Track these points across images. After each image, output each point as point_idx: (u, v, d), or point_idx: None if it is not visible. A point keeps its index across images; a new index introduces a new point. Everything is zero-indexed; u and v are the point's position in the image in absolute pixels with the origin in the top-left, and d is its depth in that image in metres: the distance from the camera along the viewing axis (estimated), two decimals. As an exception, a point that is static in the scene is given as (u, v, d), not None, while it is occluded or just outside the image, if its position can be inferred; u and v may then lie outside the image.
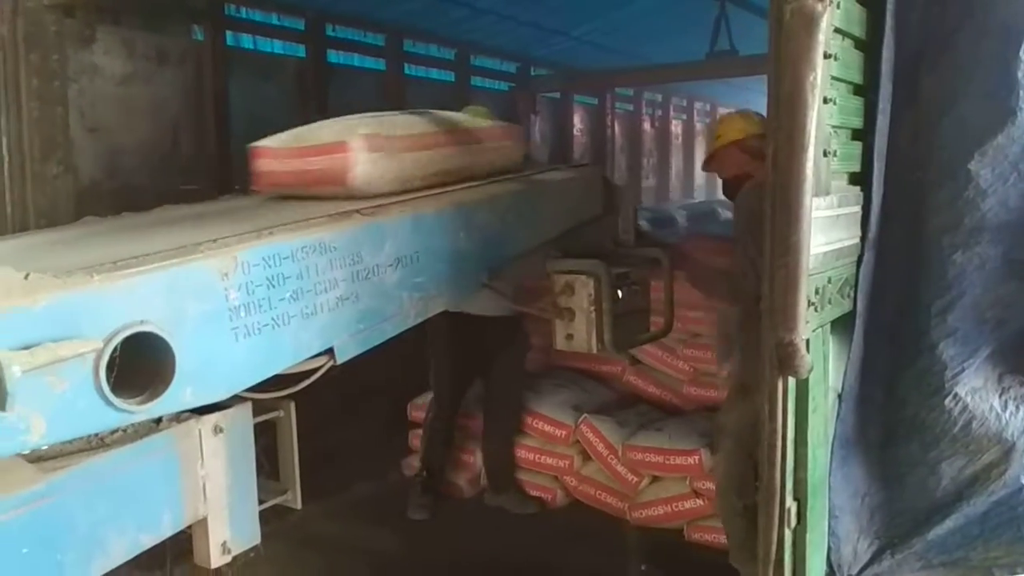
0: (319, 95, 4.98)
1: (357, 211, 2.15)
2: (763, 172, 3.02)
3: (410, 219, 2.25)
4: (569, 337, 2.81)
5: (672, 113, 10.50)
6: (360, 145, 2.38)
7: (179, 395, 1.61)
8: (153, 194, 3.19)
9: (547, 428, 4.28)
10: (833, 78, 2.13)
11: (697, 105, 11.02)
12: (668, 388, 4.44)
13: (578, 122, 8.37)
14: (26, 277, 1.41)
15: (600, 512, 4.15)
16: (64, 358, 1.40)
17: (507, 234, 2.67)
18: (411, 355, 4.04)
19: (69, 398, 1.43)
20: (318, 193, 2.48)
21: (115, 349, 1.48)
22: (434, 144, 2.65)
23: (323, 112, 4.80)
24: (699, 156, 10.04)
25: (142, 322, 1.52)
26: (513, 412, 4.34)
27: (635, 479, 4.02)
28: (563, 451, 4.28)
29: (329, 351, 1.98)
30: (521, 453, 4.36)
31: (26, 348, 1.34)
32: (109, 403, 1.48)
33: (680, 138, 10.76)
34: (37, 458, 1.53)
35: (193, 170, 4.11)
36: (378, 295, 2.10)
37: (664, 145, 10.34)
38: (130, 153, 3.83)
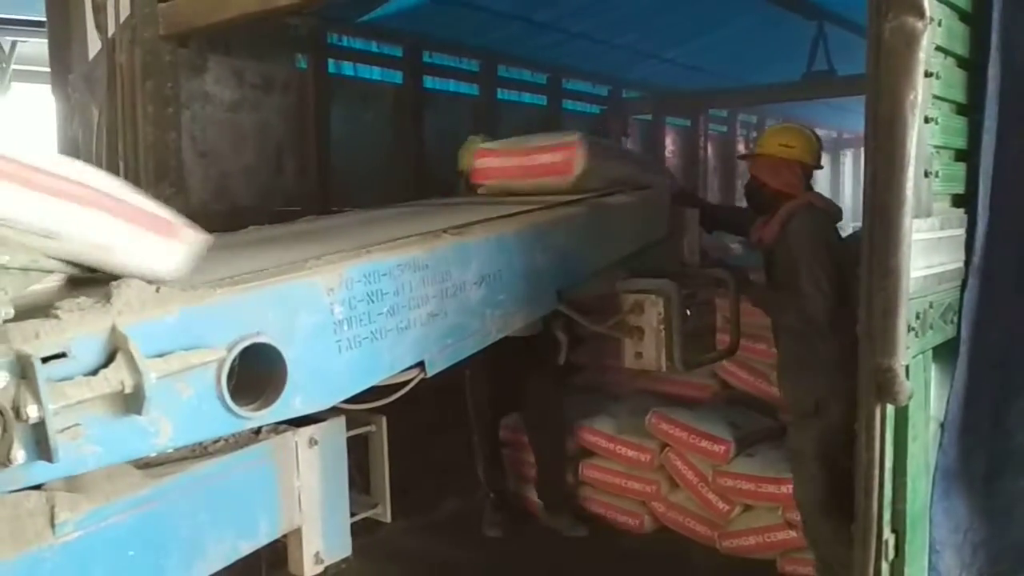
0: (415, 120, 5.10)
1: (445, 231, 2.24)
2: (806, 197, 3.16)
3: (494, 239, 2.34)
4: (638, 355, 2.89)
5: (768, 135, 10.29)
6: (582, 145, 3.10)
7: (290, 403, 1.71)
8: (257, 215, 3.32)
9: (630, 453, 4.24)
10: (935, 97, 2.07)
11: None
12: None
13: (670, 144, 8.30)
14: (157, 290, 1.51)
15: (689, 539, 4.08)
16: (194, 366, 1.50)
17: (578, 255, 2.75)
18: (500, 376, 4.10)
19: (194, 404, 1.53)
20: (537, 187, 3.18)
21: (235, 358, 1.57)
22: (616, 157, 3.39)
23: (419, 137, 4.93)
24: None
25: (258, 333, 1.62)
26: (555, 432, 4.33)
27: (726, 507, 3.93)
28: (650, 476, 4.22)
29: (420, 364, 2.07)
30: (607, 477, 4.32)
31: (159, 356, 1.44)
32: (229, 409, 1.58)
33: (739, 155, 10.53)
34: (144, 464, 1.60)
35: (295, 192, 4.26)
36: (464, 311, 2.19)
37: (759, 167, 10.13)
38: (237, 176, 3.99)
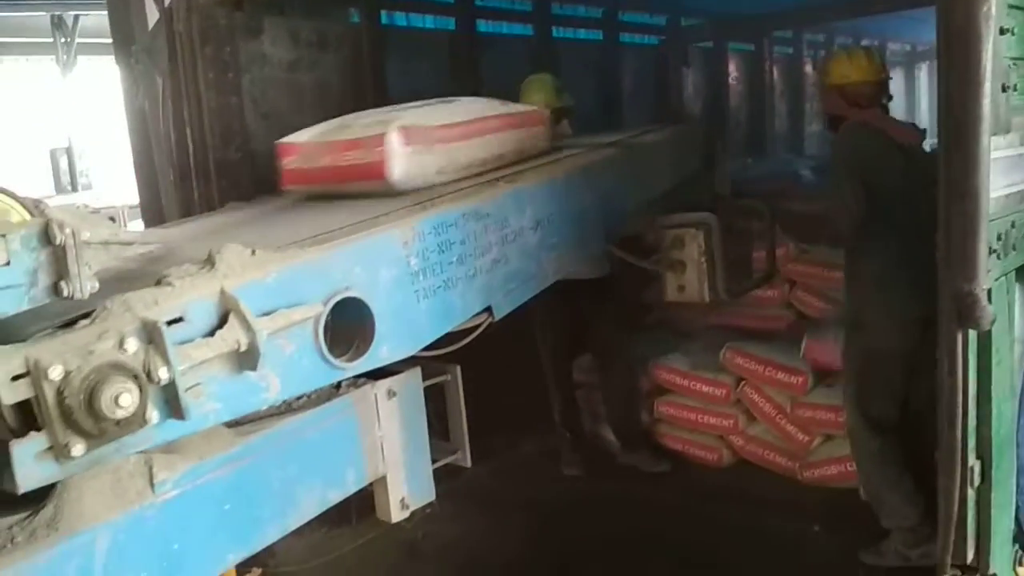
0: (471, 66, 5.06)
1: (500, 179, 2.31)
2: (860, 117, 3.13)
3: (546, 184, 2.40)
4: (680, 288, 2.95)
5: (836, 53, 9.91)
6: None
7: (378, 353, 1.79)
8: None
9: (706, 388, 4.24)
10: (1010, 6, 1.96)
11: (864, 43, 10.34)
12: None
13: (733, 70, 8.07)
14: (253, 253, 1.58)
15: (769, 471, 4.08)
16: (296, 322, 1.58)
17: (620, 194, 2.80)
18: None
19: (296, 358, 1.61)
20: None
21: (328, 313, 1.65)
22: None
23: (477, 83, 4.89)
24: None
25: (347, 288, 1.70)
26: (624, 370, 4.34)
27: (806, 438, 3.91)
28: (727, 411, 4.22)
29: (487, 310, 2.14)
30: (682, 413, 4.33)
31: (265, 315, 1.52)
32: (327, 361, 1.66)
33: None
34: (233, 423, 1.67)
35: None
36: (523, 256, 2.26)
37: (828, 88, 9.77)
38: (299, 136, 4.04)
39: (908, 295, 2.91)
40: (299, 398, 1.79)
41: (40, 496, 1.34)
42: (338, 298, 1.68)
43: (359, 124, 2.49)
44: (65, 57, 13.77)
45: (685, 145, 3.46)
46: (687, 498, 3.94)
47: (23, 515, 1.34)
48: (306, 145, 2.55)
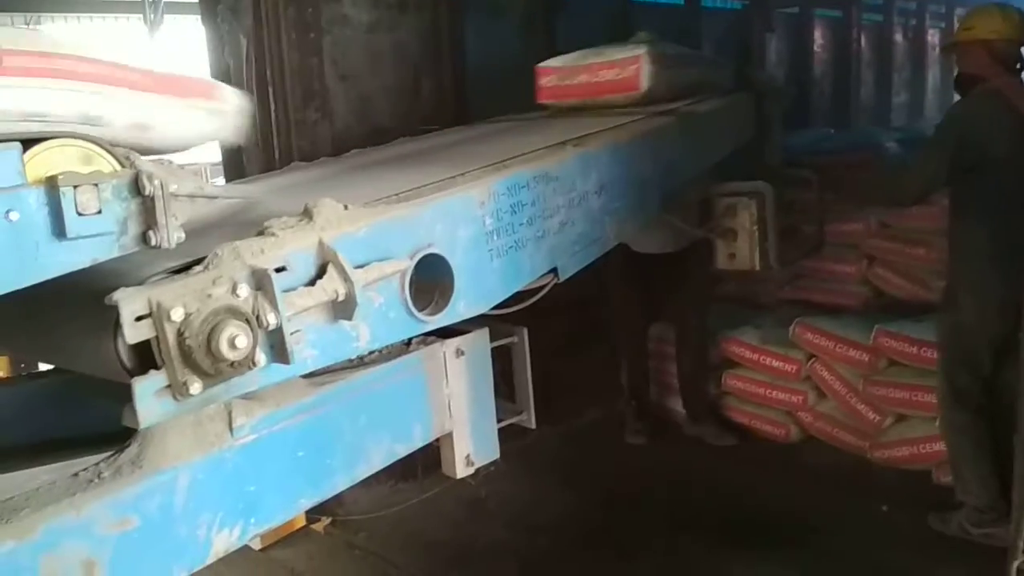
0: (547, 30, 5.01)
1: (568, 143, 2.35)
2: (996, 83, 2.95)
3: (611, 149, 2.45)
4: (731, 256, 3.02)
5: (928, 21, 9.49)
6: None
7: (456, 308, 1.85)
8: (398, 136, 3.40)
9: (775, 363, 4.18)
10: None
11: (959, 11, 9.85)
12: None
13: (819, 38, 7.80)
14: (345, 208, 1.63)
15: (838, 448, 4.01)
16: (386, 275, 1.64)
17: (678, 161, 2.84)
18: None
19: (383, 310, 1.68)
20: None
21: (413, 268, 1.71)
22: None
23: (551, 47, 4.85)
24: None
25: (430, 244, 1.76)
26: (697, 344, 4.31)
27: (877, 417, 3.84)
28: (796, 386, 4.15)
29: (553, 271, 2.19)
30: (751, 387, 4.29)
31: (359, 268, 1.58)
32: (411, 314, 1.73)
33: (937, 49, 9.71)
34: (308, 374, 1.73)
35: (433, 111, 4.31)
36: (588, 219, 2.30)
37: (919, 58, 9.38)
38: (377, 97, 4.07)
39: (1006, 276, 2.82)
40: (370, 353, 1.84)
41: (123, 437, 1.41)
42: (422, 253, 1.73)
43: (608, 51, 3.24)
44: (152, 16, 14.12)
45: (740, 113, 3.46)
46: (751, 473, 3.91)
47: (109, 453, 1.41)
48: (562, 67, 3.32)
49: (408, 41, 4.20)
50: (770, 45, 7.10)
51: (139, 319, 1.27)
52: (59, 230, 1.25)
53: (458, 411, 1.98)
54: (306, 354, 1.53)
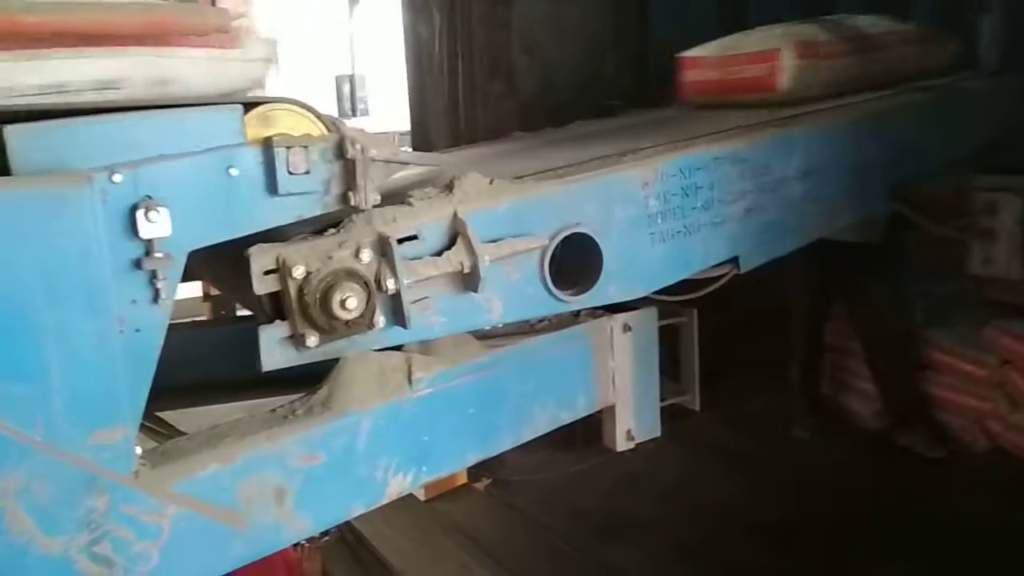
0: (739, 3, 4.86)
1: (769, 122, 2.20)
2: None
3: (824, 130, 2.26)
4: (987, 261, 2.71)
5: None
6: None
7: (605, 291, 1.83)
8: (581, 110, 3.41)
9: (966, 367, 3.90)
10: None
11: None
12: None
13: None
14: (491, 182, 1.68)
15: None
16: (520, 252, 1.67)
17: (919, 147, 2.54)
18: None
19: (520, 286, 1.70)
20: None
21: (556, 246, 1.72)
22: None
23: (743, 21, 4.69)
24: None
25: (577, 224, 1.75)
26: (904, 346, 3.99)
27: (1079, 433, 3.52)
28: (987, 393, 3.87)
29: (734, 260, 2.07)
30: (937, 391, 4.03)
31: (492, 242, 1.62)
32: (550, 292, 1.73)
33: None
34: (483, 336, 1.81)
35: (617, 85, 4.30)
36: (783, 207, 2.15)
37: None
38: (560, 71, 4.11)
39: None
40: (541, 320, 1.89)
41: (317, 378, 1.54)
42: (566, 233, 1.72)
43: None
44: (355, -16, 14.78)
45: (1006, 96, 3.03)
46: (925, 479, 3.70)
47: (303, 393, 1.55)
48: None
49: (593, 15, 4.20)
50: (983, 24, 6.52)
51: (267, 273, 1.40)
52: (272, 187, 1.37)
53: (622, 385, 2.01)
54: (434, 320, 1.59)
